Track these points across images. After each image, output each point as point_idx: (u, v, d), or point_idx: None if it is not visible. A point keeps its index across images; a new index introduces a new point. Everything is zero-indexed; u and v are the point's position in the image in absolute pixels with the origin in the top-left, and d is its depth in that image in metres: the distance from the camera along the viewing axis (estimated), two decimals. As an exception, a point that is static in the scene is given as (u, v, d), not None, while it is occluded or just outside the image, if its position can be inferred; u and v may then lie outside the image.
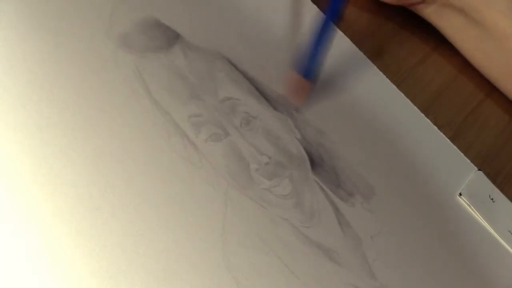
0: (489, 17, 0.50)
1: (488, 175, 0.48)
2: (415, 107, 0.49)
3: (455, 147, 0.49)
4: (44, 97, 0.36)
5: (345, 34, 0.50)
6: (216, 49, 0.43)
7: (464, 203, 0.45)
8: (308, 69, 0.42)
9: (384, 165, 0.44)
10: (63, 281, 0.31)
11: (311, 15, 0.46)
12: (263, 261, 0.36)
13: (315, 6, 0.49)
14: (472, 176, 0.47)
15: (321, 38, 0.40)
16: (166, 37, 0.42)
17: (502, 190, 0.48)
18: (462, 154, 0.48)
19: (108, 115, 0.37)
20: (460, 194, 0.46)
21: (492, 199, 0.47)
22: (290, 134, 0.42)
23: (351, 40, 0.50)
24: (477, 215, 0.45)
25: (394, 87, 0.49)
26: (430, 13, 0.53)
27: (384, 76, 0.49)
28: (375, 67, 0.49)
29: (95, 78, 0.38)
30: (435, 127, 0.49)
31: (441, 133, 0.49)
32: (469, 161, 0.48)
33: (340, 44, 0.49)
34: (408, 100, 0.49)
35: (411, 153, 0.46)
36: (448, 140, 0.49)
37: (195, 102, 0.40)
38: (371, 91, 0.48)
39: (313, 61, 0.42)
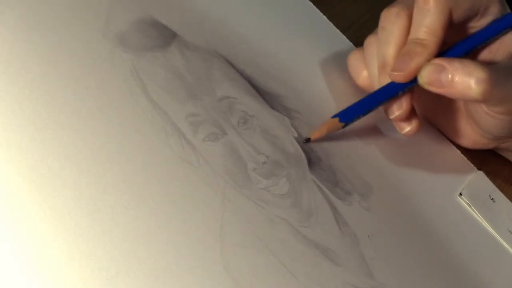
0: None
1: (488, 175, 0.48)
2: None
3: (454, 147, 0.48)
4: (41, 97, 0.36)
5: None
6: (213, 48, 0.43)
7: (464, 203, 0.45)
8: (350, 118, 0.43)
9: (382, 163, 0.44)
10: (61, 282, 0.30)
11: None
12: (261, 260, 0.36)
13: None
14: (472, 176, 0.47)
15: (378, 102, 0.42)
16: (163, 36, 0.42)
17: (502, 190, 0.47)
18: (462, 154, 0.48)
19: (105, 115, 0.37)
20: (460, 194, 0.45)
21: (492, 199, 0.46)
22: (288, 133, 0.42)
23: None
24: (477, 215, 0.45)
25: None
26: None
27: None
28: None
29: (92, 77, 0.38)
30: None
31: (441, 133, 0.49)
32: (469, 161, 0.48)
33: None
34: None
35: (410, 152, 0.46)
36: (448, 140, 0.49)
37: (192, 102, 0.40)
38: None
39: (358, 115, 0.43)
